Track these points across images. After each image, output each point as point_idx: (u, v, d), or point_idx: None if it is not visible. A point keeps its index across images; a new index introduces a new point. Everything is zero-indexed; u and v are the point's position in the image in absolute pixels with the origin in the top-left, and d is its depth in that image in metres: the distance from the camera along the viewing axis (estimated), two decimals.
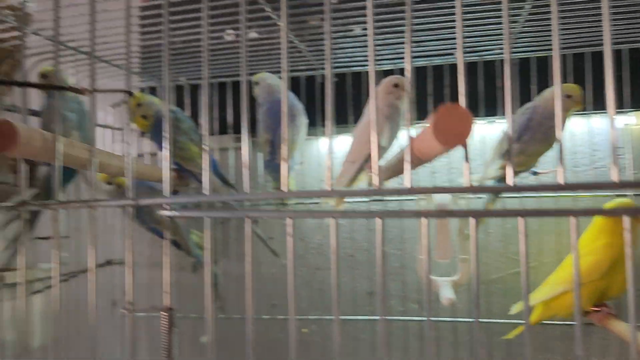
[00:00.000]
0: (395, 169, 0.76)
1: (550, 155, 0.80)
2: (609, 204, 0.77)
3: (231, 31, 0.91)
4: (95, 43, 0.47)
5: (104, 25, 0.70)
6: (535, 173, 0.84)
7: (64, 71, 0.87)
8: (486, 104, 0.92)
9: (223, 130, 1.01)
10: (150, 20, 0.83)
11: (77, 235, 0.97)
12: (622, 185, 0.35)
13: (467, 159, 0.35)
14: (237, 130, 1.01)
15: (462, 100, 0.35)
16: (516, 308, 0.84)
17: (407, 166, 0.36)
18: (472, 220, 0.38)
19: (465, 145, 0.34)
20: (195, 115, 1.00)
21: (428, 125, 0.34)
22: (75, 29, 0.71)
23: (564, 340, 0.91)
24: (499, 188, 0.74)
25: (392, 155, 0.80)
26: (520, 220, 0.36)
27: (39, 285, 0.89)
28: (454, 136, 0.32)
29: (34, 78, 0.79)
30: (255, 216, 0.39)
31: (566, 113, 0.77)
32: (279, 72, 0.97)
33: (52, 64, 0.86)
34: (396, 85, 0.80)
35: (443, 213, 0.40)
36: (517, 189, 0.37)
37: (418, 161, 0.42)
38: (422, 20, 0.76)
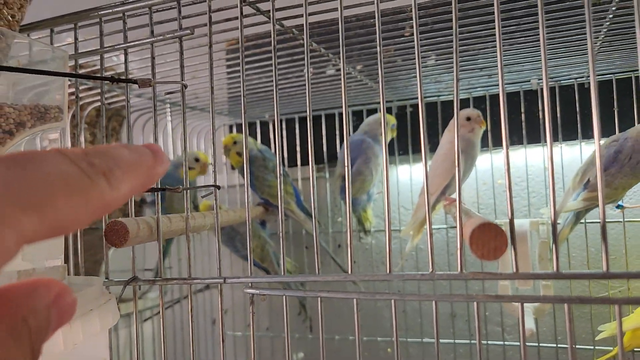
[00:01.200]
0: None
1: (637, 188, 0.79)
2: None
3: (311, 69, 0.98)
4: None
5: (192, 75, 0.79)
6: (620, 207, 0.83)
7: None
8: (565, 127, 0.91)
9: (305, 162, 1.08)
10: (236, 61, 0.89)
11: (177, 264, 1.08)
12: None
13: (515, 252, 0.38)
14: (317, 161, 1.07)
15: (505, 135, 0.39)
16: (603, 334, 0.83)
17: (459, 255, 0.40)
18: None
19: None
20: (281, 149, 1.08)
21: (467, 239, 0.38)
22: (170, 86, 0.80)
23: None
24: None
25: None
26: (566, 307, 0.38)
27: (149, 313, 1.00)
28: (490, 251, 0.36)
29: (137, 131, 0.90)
30: (326, 297, 0.44)
31: None
32: (354, 105, 1.03)
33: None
34: (468, 119, 0.82)
35: (492, 298, 0.43)
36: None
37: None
38: (489, 51, 0.77)
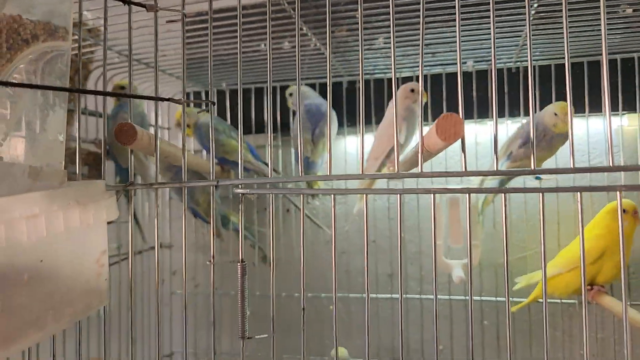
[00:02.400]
0: (412, 161, 0.88)
1: (550, 161, 0.91)
2: (611, 204, 0.89)
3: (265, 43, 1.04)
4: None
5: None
6: (538, 178, 0.95)
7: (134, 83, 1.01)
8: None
9: (260, 130, 1.14)
10: (196, 32, 0.94)
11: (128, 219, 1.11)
12: (615, 169, 0.47)
13: (463, 149, 0.47)
14: (273, 129, 1.13)
15: (461, 108, 0.47)
16: (519, 285, 0.95)
17: (420, 156, 0.48)
18: (501, 197, 0.49)
19: (463, 139, 0.46)
20: (235, 117, 1.14)
21: (433, 126, 0.46)
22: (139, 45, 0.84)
23: (564, 317, 1.02)
24: (517, 171, 0.85)
25: (409, 150, 0.92)
26: (540, 196, 0.47)
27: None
28: (451, 135, 0.44)
29: (100, 86, 0.93)
30: (309, 192, 0.51)
31: (557, 130, 0.89)
32: (308, 78, 1.11)
33: (116, 73, 1.00)
34: (412, 91, 0.92)
35: (446, 190, 0.52)
36: (535, 172, 0.47)
37: (428, 154, 0.54)
38: (436, 33, 0.87)
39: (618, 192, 0.47)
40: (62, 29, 0.45)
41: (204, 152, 1.16)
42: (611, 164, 0.47)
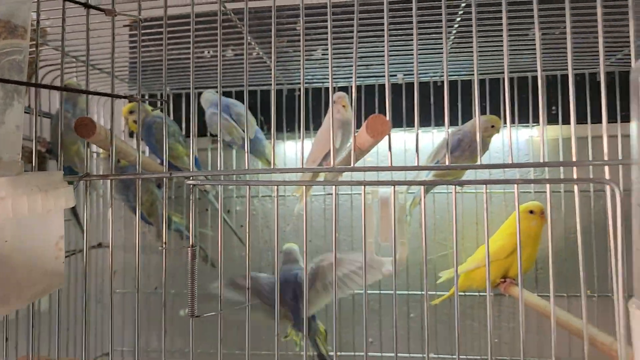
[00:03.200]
0: (346, 161, 0.95)
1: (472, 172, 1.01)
2: (522, 206, 1.00)
3: (209, 50, 1.09)
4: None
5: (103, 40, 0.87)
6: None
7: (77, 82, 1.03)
8: (422, 117, 1.13)
9: (202, 133, 1.18)
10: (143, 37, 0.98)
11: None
12: (513, 165, 0.55)
13: (389, 146, 0.54)
14: (213, 134, 1.18)
15: (388, 111, 0.54)
16: (442, 279, 1.05)
17: (353, 154, 0.55)
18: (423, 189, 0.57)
19: (389, 137, 0.53)
20: (178, 120, 1.18)
21: (363, 125, 0.53)
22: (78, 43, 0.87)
23: (479, 308, 1.13)
24: (443, 167, 0.94)
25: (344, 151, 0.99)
26: (453, 190, 0.55)
27: None
28: (379, 132, 0.51)
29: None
30: (254, 184, 0.56)
31: (489, 138, 0.99)
32: (251, 85, 1.16)
33: (58, 75, 1.02)
34: (334, 101, 1.00)
35: (380, 183, 0.59)
36: (453, 167, 0.55)
37: (360, 152, 0.61)
38: (370, 47, 0.95)
39: (515, 185, 0.56)
40: (21, 28, 0.49)
41: (147, 150, 1.19)
42: (511, 162, 0.56)
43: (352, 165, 0.54)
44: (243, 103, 1.14)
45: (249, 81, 1.14)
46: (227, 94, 1.16)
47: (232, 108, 1.08)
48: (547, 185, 0.57)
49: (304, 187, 1.06)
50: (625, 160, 0.49)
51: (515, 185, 0.56)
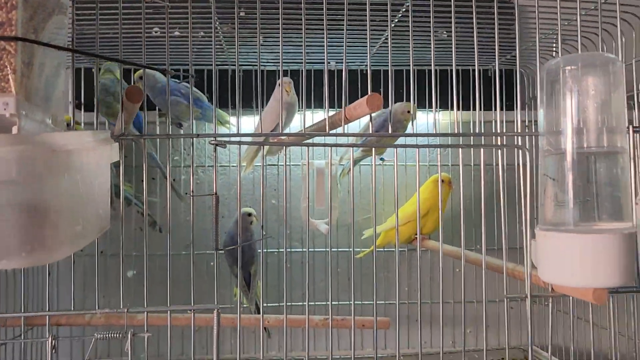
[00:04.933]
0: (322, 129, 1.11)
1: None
2: (433, 176, 1.22)
3: (157, 28, 1.18)
4: None
5: None
6: (382, 159, 1.25)
7: None
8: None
9: (150, 108, 1.27)
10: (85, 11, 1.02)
11: None
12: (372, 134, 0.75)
13: (370, 119, 0.71)
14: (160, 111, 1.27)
15: (326, 98, 0.71)
16: (365, 235, 1.25)
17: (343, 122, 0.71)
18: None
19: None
20: None
21: (361, 100, 0.70)
22: None
23: (401, 262, 1.34)
24: (371, 134, 1.12)
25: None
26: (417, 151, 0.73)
27: None
28: (375, 106, 0.68)
29: None
30: (224, 141, 0.70)
31: (406, 121, 1.19)
32: (196, 64, 1.27)
33: None
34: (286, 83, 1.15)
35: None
36: (377, 135, 0.73)
37: (346, 120, 0.77)
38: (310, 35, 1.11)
39: (417, 150, 0.76)
40: (65, 5, 0.59)
41: None
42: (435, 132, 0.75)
43: (327, 132, 0.71)
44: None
45: (198, 60, 1.25)
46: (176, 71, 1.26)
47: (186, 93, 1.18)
48: (460, 154, 0.77)
49: (249, 158, 1.22)
50: (534, 132, 0.71)
51: (417, 150, 0.75)
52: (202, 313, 0.88)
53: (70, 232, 0.51)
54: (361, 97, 1.31)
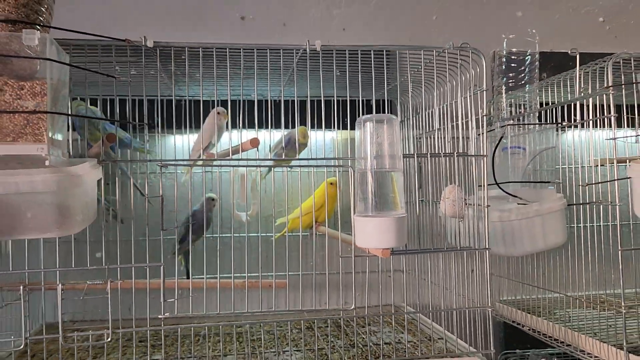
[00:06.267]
0: (225, 154, 1.55)
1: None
2: (328, 179, 1.67)
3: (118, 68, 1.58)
4: None
5: None
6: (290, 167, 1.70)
7: None
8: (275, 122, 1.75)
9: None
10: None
11: None
12: (313, 159, 1.19)
13: (268, 148, 1.15)
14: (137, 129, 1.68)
15: (257, 120, 1.15)
16: (278, 222, 1.70)
17: (230, 151, 1.15)
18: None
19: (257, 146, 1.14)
20: None
21: (247, 140, 1.13)
22: None
23: (302, 242, 1.80)
24: (278, 159, 1.57)
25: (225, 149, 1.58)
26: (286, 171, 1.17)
27: None
28: (255, 145, 1.11)
29: None
30: (168, 164, 1.13)
31: (304, 140, 1.64)
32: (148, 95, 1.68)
33: None
34: (218, 113, 1.58)
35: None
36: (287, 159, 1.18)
37: (245, 149, 1.21)
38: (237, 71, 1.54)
39: (327, 168, 1.20)
40: (67, 83, 1.01)
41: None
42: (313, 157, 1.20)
43: (230, 156, 1.15)
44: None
45: (146, 91, 1.66)
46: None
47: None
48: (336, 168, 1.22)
49: (191, 167, 1.64)
50: (353, 157, 1.17)
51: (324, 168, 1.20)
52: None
53: (79, 219, 0.93)
54: (276, 120, 1.77)
